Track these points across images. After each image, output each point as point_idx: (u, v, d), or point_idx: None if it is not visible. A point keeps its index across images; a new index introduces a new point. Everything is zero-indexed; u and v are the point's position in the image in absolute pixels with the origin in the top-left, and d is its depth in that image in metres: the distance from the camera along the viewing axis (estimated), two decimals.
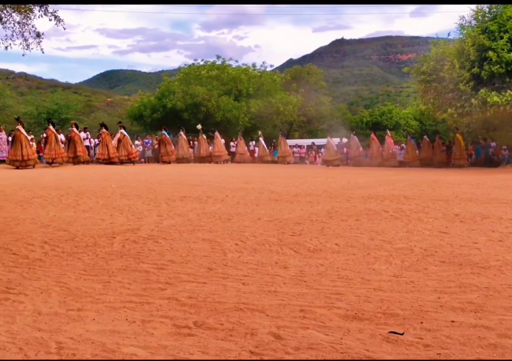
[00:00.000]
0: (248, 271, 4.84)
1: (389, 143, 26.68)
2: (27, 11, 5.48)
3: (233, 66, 36.33)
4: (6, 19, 5.58)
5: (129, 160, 23.19)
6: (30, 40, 5.95)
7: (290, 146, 32.58)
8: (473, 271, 4.81)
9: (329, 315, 3.60)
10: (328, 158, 26.53)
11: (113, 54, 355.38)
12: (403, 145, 27.72)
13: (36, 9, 5.47)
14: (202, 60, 36.78)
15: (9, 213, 8.33)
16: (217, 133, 26.33)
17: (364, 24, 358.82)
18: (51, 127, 21.24)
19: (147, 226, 7.27)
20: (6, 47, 5.92)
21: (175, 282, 4.47)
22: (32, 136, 25.05)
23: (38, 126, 33.36)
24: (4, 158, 21.42)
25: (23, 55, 6.03)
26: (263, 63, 38.79)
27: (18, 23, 5.71)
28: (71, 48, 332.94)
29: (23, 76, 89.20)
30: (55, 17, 5.82)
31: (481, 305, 3.79)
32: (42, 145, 22.49)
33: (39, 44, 6.05)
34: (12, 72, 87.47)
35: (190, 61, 54.49)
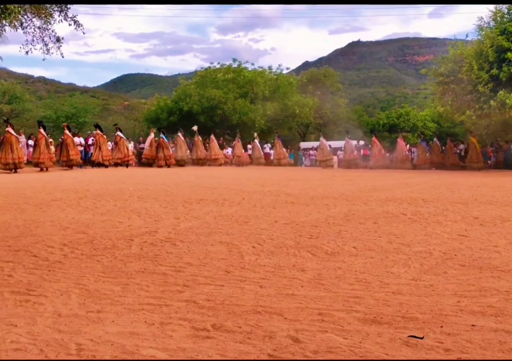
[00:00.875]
0: (265, 274, 4.84)
1: (402, 146, 26.51)
2: (47, 16, 5.57)
3: (249, 69, 36.49)
4: (26, 24, 5.69)
5: (124, 163, 22.89)
6: (50, 45, 6.04)
7: (305, 148, 32.62)
8: (493, 275, 4.75)
9: (347, 318, 3.58)
10: (322, 158, 26.49)
11: (130, 58, 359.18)
12: (413, 148, 27.59)
13: (56, 14, 5.58)
14: (218, 63, 37.04)
15: (29, 216, 8.44)
16: (212, 136, 26.02)
17: (380, 25, 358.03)
18: (41, 130, 20.76)
19: (165, 228, 7.31)
20: (26, 52, 6.01)
21: (193, 285, 4.49)
22: (51, 139, 25.34)
23: (57, 130, 33.73)
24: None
25: (43, 59, 6.13)
26: (279, 65, 38.76)
27: (39, 28, 5.80)
28: (89, 52, 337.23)
29: (42, 80, 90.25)
30: (75, 22, 5.89)
31: (501, 309, 3.74)
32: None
33: (59, 49, 6.14)
34: (31, 77, 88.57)
35: (206, 64, 54.59)
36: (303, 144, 34.35)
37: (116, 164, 22.72)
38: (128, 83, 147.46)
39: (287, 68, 42.07)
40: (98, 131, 22.57)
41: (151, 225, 7.58)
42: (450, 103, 24.87)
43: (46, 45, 6.01)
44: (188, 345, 3.12)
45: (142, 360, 2.92)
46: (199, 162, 25.39)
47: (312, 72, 43.65)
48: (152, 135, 25.70)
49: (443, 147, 26.06)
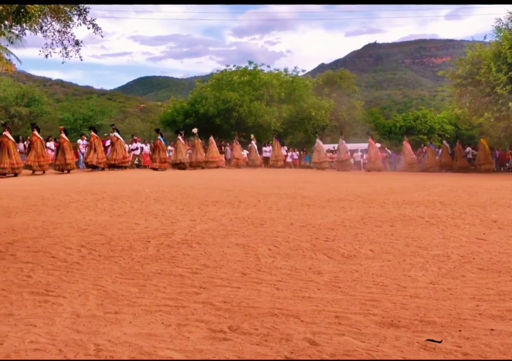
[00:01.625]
0: (281, 277, 4.84)
1: (408, 149, 26.32)
2: (67, 20, 5.64)
3: (265, 71, 36.43)
4: (46, 28, 5.77)
5: (120, 165, 21.93)
6: (69, 48, 6.12)
7: None
8: None
9: (365, 321, 3.56)
10: (318, 160, 26.35)
11: (146, 60, 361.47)
12: (424, 150, 27.44)
13: (75, 17, 5.66)
14: (234, 65, 37.03)
15: (47, 217, 8.53)
16: (211, 139, 25.36)
17: (397, 27, 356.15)
18: (35, 132, 20.01)
19: (181, 230, 7.34)
20: (46, 55, 6.09)
21: (210, 287, 4.50)
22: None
23: (75, 132, 34.04)
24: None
25: (62, 62, 6.20)
26: (295, 68, 38.59)
27: (58, 31, 5.88)
28: (106, 55, 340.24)
29: (60, 83, 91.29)
30: (93, 25, 5.97)
31: None
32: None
33: (77, 52, 6.22)
34: (49, 79, 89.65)
35: (222, 67, 55.06)
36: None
37: (112, 166, 21.76)
38: (145, 86, 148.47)
39: (303, 70, 41.90)
40: (93, 133, 21.84)
41: (167, 227, 7.62)
42: (468, 105, 24.66)
43: (65, 48, 6.09)
44: (205, 347, 3.13)
45: None
46: (199, 165, 24.61)
47: (328, 74, 43.54)
48: (180, 138, 25.56)
49: (453, 150, 26.02)
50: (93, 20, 5.92)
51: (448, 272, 4.99)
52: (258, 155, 26.98)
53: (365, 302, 4.00)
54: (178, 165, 23.84)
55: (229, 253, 5.87)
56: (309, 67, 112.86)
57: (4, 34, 5.47)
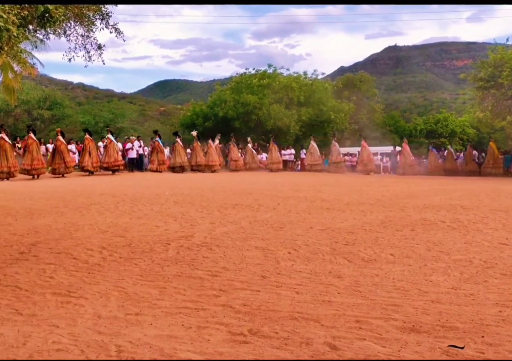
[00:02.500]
0: (301, 280, 4.82)
1: (408, 151, 26.08)
2: (90, 24, 5.72)
3: (284, 74, 36.45)
4: (70, 32, 5.86)
5: (113, 169, 21.29)
6: (92, 52, 6.21)
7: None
8: None
9: (385, 326, 3.53)
10: (312, 162, 26.13)
11: (166, 64, 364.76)
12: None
13: (97, 22, 5.74)
14: (254, 69, 37.10)
15: (69, 219, 8.64)
16: (210, 142, 24.86)
17: (418, 30, 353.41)
18: (31, 134, 19.31)
19: (201, 233, 7.37)
20: (69, 59, 6.19)
21: (229, 289, 4.51)
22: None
23: (96, 135, 34.39)
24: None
25: (85, 66, 6.30)
26: (314, 71, 38.48)
27: (82, 35, 5.97)
28: (126, 59, 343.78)
29: (81, 86, 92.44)
30: (115, 29, 6.05)
31: None
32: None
33: (100, 56, 6.30)
34: (70, 83, 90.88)
35: (242, 70, 55.15)
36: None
37: (104, 169, 21.21)
38: (164, 89, 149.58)
39: (323, 73, 41.97)
40: (87, 136, 21.24)
41: (187, 230, 7.65)
42: (490, 108, 24.36)
43: (88, 52, 6.19)
44: (225, 349, 3.14)
45: None
46: (198, 168, 24.25)
47: (348, 77, 43.35)
48: (216, 141, 25.10)
49: (462, 154, 25.85)
50: (115, 24, 6.01)
51: (470, 277, 4.92)
52: (256, 158, 26.41)
53: (386, 306, 3.97)
54: (176, 169, 23.45)
55: (249, 256, 5.88)
56: (329, 70, 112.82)
57: (28, 39, 5.55)
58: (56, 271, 5.20)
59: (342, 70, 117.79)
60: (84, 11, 5.40)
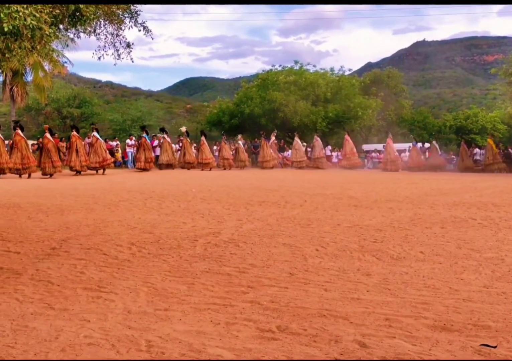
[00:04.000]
0: (329, 277, 4.79)
1: (391, 146, 25.77)
2: (119, 23, 5.79)
3: (311, 71, 36.25)
4: (100, 30, 5.93)
5: (102, 168, 20.22)
6: (121, 50, 6.27)
7: (368, 151, 32.08)
8: None
9: (416, 325, 3.48)
10: (296, 159, 25.69)
11: (193, 61, 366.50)
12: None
13: (127, 20, 5.80)
14: (280, 65, 36.99)
15: (99, 215, 8.76)
16: (203, 138, 23.71)
17: (447, 24, 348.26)
18: (19, 131, 18.15)
19: (228, 230, 7.39)
20: (99, 58, 6.27)
21: (257, 286, 4.51)
22: (118, 142, 26.20)
23: (123, 133, 34.88)
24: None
25: (114, 64, 6.36)
26: (341, 67, 38.34)
27: (111, 34, 6.03)
28: (153, 57, 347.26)
29: (109, 84, 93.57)
30: (144, 27, 6.10)
31: None
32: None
33: (129, 54, 6.37)
34: (99, 81, 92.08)
35: (268, 67, 54.98)
36: (366, 147, 33.81)
37: (93, 169, 20.00)
38: (191, 87, 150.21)
39: (350, 70, 41.47)
40: (74, 133, 19.82)
41: (214, 226, 7.68)
42: None
43: (117, 50, 6.25)
44: (253, 346, 3.14)
45: (209, 360, 2.96)
46: (188, 166, 23.25)
47: (375, 73, 42.85)
48: (273, 138, 24.35)
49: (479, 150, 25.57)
50: (144, 22, 6.06)
51: (502, 275, 4.82)
52: (245, 155, 25.24)
53: (416, 304, 3.92)
54: (162, 166, 22.54)
55: (276, 253, 5.87)
56: (356, 66, 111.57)
57: (58, 38, 5.64)
58: (87, 267, 5.28)
59: (369, 66, 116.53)
60: (114, 10, 5.47)
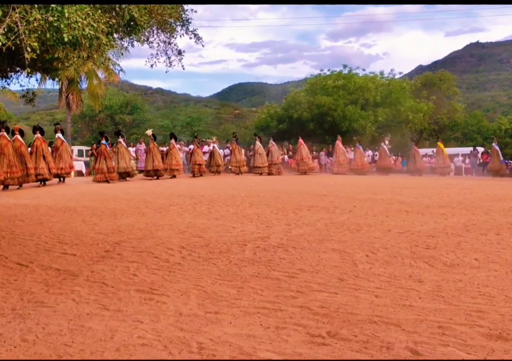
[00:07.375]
0: (380, 284, 4.73)
1: (341, 149, 24.70)
2: (172, 31, 5.94)
3: (360, 75, 35.86)
4: (152, 39, 6.11)
5: (64, 175, 17.73)
6: (173, 58, 6.43)
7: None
8: None
9: (470, 333, 3.39)
10: (260, 165, 23.41)
11: (241, 67, 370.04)
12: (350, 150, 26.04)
13: (178, 28, 5.94)
14: (329, 70, 36.75)
15: (150, 219, 8.95)
16: (173, 141, 21.67)
17: (502, 25, 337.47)
18: (4, 133, 15.42)
19: (276, 234, 7.40)
20: (151, 65, 6.44)
21: (307, 291, 4.50)
22: (163, 148, 26.59)
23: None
24: (143, 168, 21.42)
25: (166, 72, 6.53)
26: (391, 70, 37.72)
27: (164, 42, 6.20)
28: (202, 63, 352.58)
29: (160, 91, 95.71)
30: (195, 35, 6.23)
31: None
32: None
33: (180, 61, 6.51)
34: (149, 88, 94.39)
35: (316, 72, 54.78)
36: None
37: (56, 176, 17.47)
38: (239, 92, 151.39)
39: (400, 73, 40.92)
40: (38, 135, 16.89)
41: (263, 231, 7.71)
42: None
43: (169, 58, 6.42)
44: (304, 351, 3.14)
45: None
46: (155, 173, 20.60)
47: (427, 76, 41.96)
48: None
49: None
50: (195, 30, 6.19)
51: None
52: (221, 160, 23.04)
53: (471, 312, 3.81)
54: (121, 175, 19.55)
55: (325, 258, 5.84)
56: (407, 69, 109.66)
57: (114, 47, 5.83)
58: (139, 269, 5.41)
59: (420, 69, 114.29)
60: (166, 18, 5.62)
